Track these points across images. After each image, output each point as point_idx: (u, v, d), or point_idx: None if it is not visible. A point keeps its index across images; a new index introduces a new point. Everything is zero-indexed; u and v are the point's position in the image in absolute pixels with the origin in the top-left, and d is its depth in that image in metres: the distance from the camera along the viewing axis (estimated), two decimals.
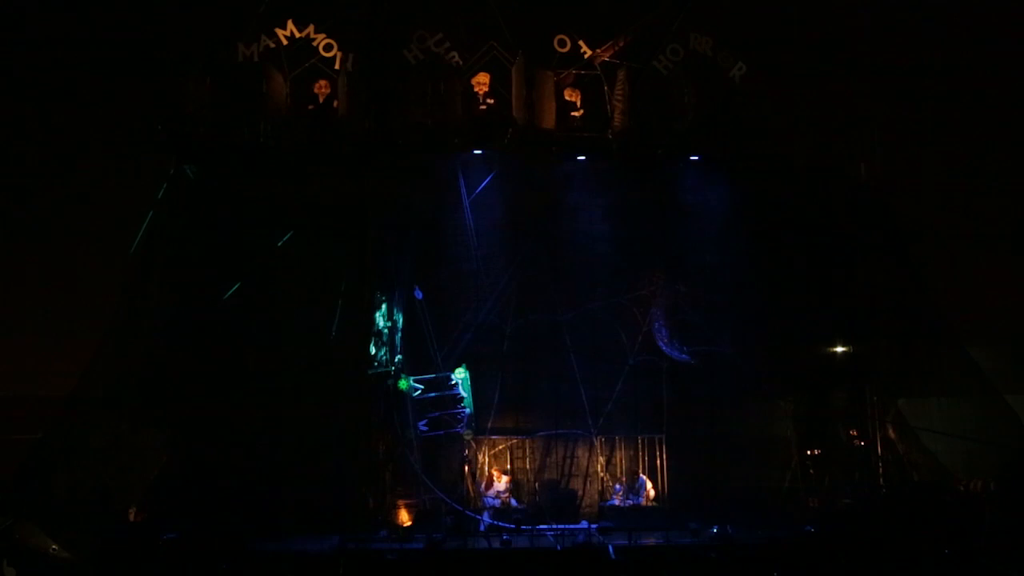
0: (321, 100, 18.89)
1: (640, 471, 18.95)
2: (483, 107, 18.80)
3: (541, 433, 18.90)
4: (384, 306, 17.83)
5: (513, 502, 18.19)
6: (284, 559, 15.23)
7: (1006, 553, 15.18)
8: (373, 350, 17.60)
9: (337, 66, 18.85)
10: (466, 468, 18.13)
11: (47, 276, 19.71)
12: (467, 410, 17.72)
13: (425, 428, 17.63)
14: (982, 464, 17.57)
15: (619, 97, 18.91)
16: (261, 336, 17.79)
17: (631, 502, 18.35)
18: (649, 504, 18.45)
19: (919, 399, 18.91)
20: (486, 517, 17.27)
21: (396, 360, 17.75)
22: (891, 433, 19.09)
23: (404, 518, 16.99)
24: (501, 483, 18.44)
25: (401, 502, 17.31)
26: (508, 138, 18.44)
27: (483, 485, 18.22)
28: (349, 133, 18.29)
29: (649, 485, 18.66)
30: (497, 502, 18.05)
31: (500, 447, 19.07)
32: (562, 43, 19.15)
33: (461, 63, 18.83)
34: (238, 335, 17.79)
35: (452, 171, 18.70)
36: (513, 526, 16.78)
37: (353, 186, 18.11)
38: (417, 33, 18.62)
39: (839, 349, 19.73)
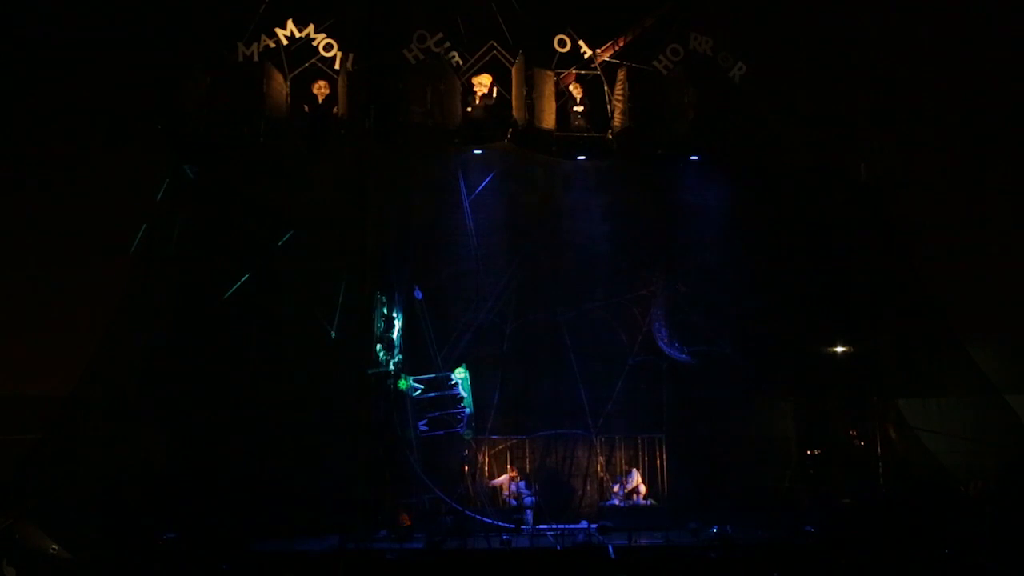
0: (320, 100, 18.89)
1: (636, 469, 18.94)
2: (482, 105, 18.77)
3: (541, 433, 18.91)
4: (384, 306, 17.83)
5: (513, 502, 18.20)
6: (284, 559, 15.23)
7: (1006, 553, 15.18)
8: (376, 349, 17.60)
9: (337, 66, 18.86)
10: (466, 468, 18.15)
11: (46, 276, 19.65)
12: (467, 410, 17.72)
13: (425, 428, 17.62)
14: (982, 464, 17.59)
15: (619, 97, 18.91)
16: (261, 336, 17.81)
17: (630, 502, 18.35)
18: (643, 499, 18.46)
19: (919, 399, 18.93)
20: (528, 516, 17.29)
21: (396, 360, 17.76)
22: (891, 433, 19.10)
23: (404, 518, 16.97)
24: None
25: (401, 502, 17.30)
26: (508, 138, 18.45)
27: (515, 486, 18.22)
28: (349, 133, 18.30)
29: (638, 479, 18.63)
30: (532, 500, 17.99)
31: (500, 447, 19.09)
32: (562, 43, 19.11)
33: (461, 63, 18.82)
34: (238, 335, 17.81)
35: (452, 171, 18.71)
36: (513, 526, 16.84)
37: (353, 186, 18.09)
38: (417, 33, 18.59)
39: (839, 349, 19.73)
